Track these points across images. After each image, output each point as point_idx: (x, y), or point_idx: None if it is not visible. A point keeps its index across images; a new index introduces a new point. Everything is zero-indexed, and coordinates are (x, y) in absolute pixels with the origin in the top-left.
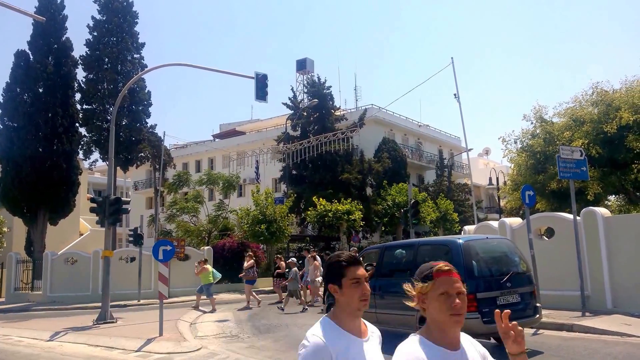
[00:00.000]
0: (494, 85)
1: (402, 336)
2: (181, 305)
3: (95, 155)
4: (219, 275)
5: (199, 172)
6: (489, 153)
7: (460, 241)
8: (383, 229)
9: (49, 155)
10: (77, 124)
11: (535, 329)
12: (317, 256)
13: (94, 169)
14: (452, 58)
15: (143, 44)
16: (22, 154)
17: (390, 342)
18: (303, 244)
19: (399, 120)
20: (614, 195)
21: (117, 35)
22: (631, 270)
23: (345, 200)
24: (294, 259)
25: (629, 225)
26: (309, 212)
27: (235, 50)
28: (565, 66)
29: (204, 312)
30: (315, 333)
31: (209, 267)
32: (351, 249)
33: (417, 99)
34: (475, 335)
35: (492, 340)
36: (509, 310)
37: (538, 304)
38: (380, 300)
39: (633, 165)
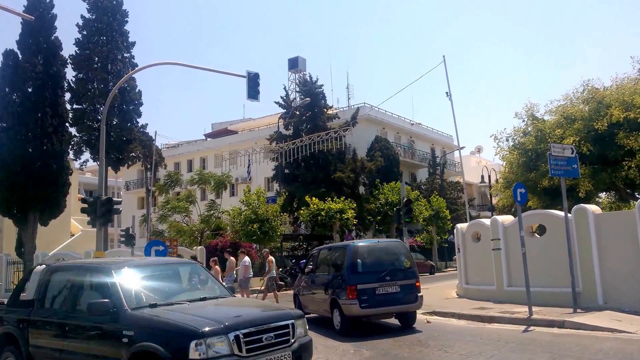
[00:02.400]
0: (486, 84)
1: None
2: None
3: (86, 155)
4: None
5: (190, 172)
6: (481, 151)
7: (352, 244)
8: (376, 227)
9: (38, 156)
10: (67, 124)
11: (526, 326)
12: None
13: (84, 169)
14: (443, 56)
15: (133, 43)
16: (12, 155)
17: None
18: (296, 243)
19: (391, 119)
20: (604, 193)
21: (107, 34)
22: (622, 266)
23: (338, 199)
24: (194, 255)
25: (620, 222)
26: (301, 211)
27: (227, 48)
28: (558, 64)
29: None
30: None
31: None
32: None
33: (410, 98)
34: (353, 317)
35: (397, 322)
36: None
37: (420, 294)
38: (314, 288)
39: (624, 163)
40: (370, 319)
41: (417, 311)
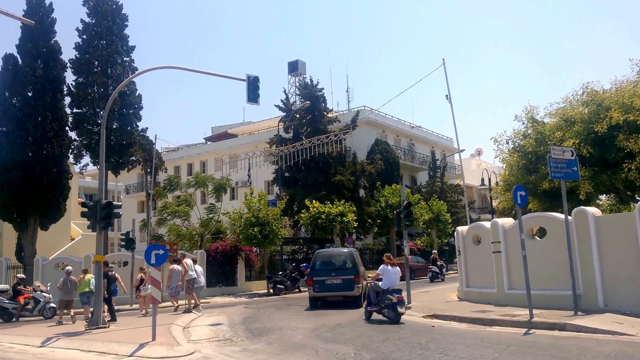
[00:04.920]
0: (485, 86)
1: None
2: (174, 309)
3: (86, 159)
4: (92, 286)
5: (190, 176)
6: (481, 154)
7: (317, 252)
8: (376, 230)
9: (38, 160)
10: (67, 128)
11: (527, 329)
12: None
13: (84, 173)
14: (443, 59)
15: (133, 47)
16: (12, 159)
17: None
18: (296, 247)
19: (391, 122)
20: (605, 195)
21: (106, 38)
22: (622, 269)
23: (339, 202)
24: (69, 267)
25: (620, 224)
26: (302, 214)
27: (227, 52)
28: (557, 66)
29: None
30: None
31: (89, 275)
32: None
33: (410, 101)
34: (312, 297)
35: (397, 328)
36: None
37: (358, 285)
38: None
39: (623, 165)
40: (326, 299)
41: (416, 314)
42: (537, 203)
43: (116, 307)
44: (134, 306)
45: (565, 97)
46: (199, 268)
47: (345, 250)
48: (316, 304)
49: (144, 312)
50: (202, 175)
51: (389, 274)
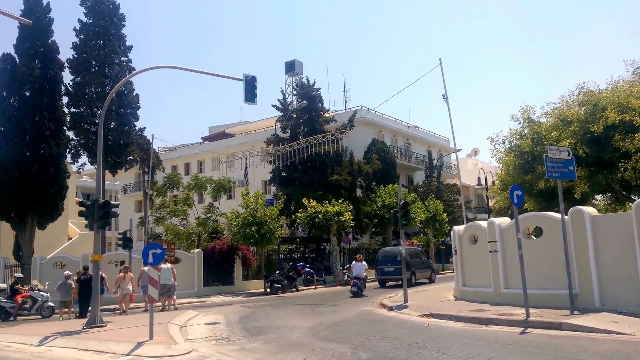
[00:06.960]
0: (482, 86)
1: None
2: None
3: (84, 158)
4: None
5: (188, 175)
6: (477, 153)
7: (380, 249)
8: (373, 230)
9: (36, 159)
10: (64, 128)
11: (523, 328)
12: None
13: (82, 172)
14: (440, 59)
15: (131, 47)
16: (9, 158)
17: None
18: (293, 246)
19: (388, 122)
20: (600, 195)
21: (104, 38)
22: (618, 268)
23: (336, 201)
24: (68, 272)
25: (616, 224)
26: (299, 214)
27: (224, 52)
28: (554, 66)
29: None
30: None
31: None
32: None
33: (406, 100)
34: (379, 279)
35: (396, 327)
36: None
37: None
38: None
39: (620, 165)
40: (388, 281)
41: (413, 313)
42: (534, 203)
43: (113, 306)
44: (132, 305)
45: (562, 97)
46: (167, 266)
47: (395, 248)
48: (384, 284)
49: (124, 311)
50: (201, 177)
51: (356, 267)
